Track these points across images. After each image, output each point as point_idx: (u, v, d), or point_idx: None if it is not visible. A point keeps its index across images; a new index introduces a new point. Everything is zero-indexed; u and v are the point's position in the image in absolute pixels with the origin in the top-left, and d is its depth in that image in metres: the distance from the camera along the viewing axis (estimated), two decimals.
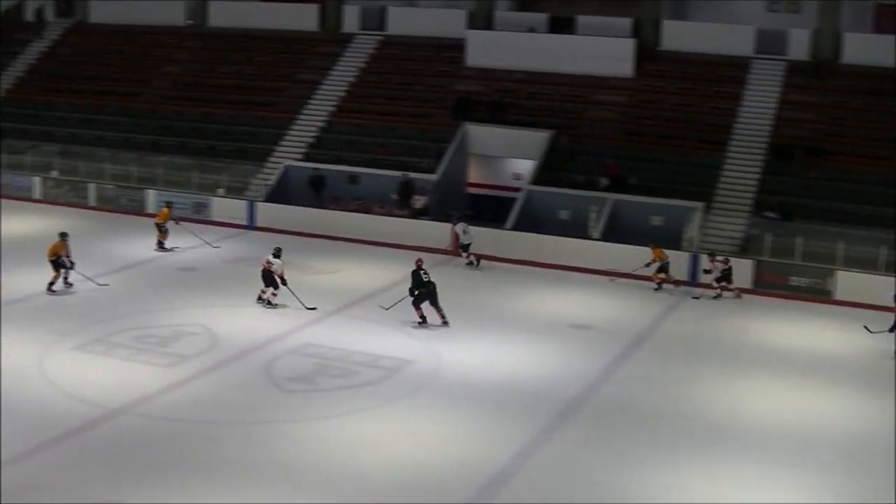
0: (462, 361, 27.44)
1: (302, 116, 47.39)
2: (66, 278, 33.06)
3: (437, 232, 38.78)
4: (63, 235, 33.41)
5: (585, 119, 44.46)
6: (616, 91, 45.41)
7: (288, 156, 45.08)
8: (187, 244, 38.42)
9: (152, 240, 38.29)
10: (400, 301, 31.16)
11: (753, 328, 31.80)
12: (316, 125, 46.73)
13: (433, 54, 49.36)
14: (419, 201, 40.51)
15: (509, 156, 44.34)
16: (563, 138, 42.54)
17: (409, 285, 30.66)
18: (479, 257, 37.51)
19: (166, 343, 28.11)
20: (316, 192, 42.46)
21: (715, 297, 34.53)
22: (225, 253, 37.90)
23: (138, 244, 38.47)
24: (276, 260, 31.52)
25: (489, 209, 41.85)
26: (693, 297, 34.83)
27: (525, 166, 42.69)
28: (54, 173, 47.26)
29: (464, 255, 37.49)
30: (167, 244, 38.10)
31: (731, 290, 34.67)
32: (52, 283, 32.70)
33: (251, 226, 41.67)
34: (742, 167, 40.95)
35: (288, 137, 46.34)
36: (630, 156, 41.68)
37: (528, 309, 32.62)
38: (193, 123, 48.73)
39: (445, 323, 30.28)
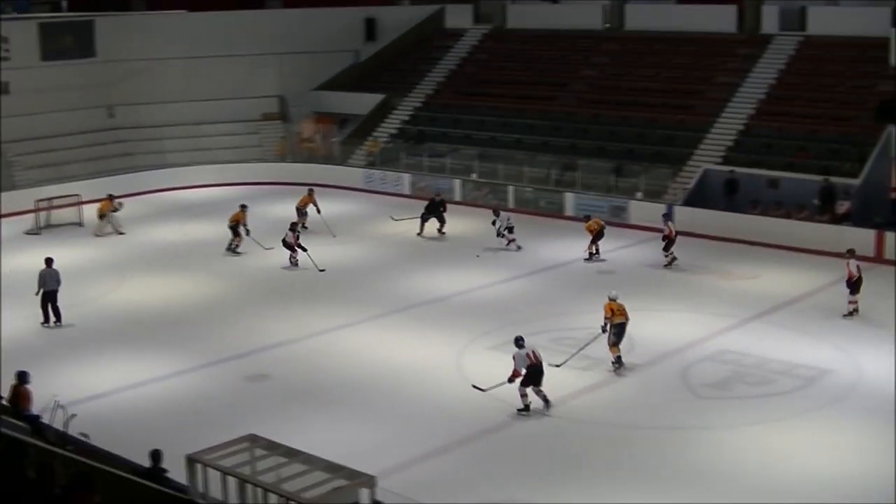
0: (884, 373, 26.76)
1: (720, 120, 47.46)
2: (237, 246, 39.73)
3: (860, 238, 38.02)
4: (243, 206, 40.37)
5: None
6: None
7: (706, 159, 45.25)
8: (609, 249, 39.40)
9: (570, 242, 39.41)
10: (409, 218, 41.69)
11: None
12: (735, 128, 46.70)
13: (855, 54, 48.22)
14: (842, 206, 39.90)
15: None
16: None
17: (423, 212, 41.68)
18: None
19: (582, 345, 28.96)
20: (729, 196, 42.57)
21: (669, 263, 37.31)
22: (643, 257, 38.48)
23: (557, 246, 39.69)
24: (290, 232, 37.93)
25: None
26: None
27: None
28: (474, 176, 49.34)
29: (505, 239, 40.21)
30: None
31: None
32: (229, 245, 39.73)
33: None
34: None
35: (706, 141, 46.53)
36: None
37: None
38: (611, 127, 49.67)
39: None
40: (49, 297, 31.82)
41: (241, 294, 35.29)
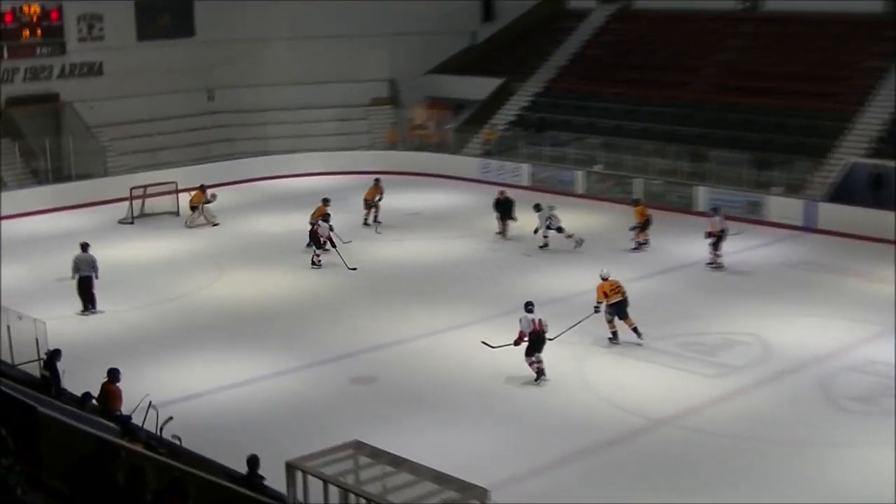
0: None
1: (867, 108, 46.55)
2: (324, 242, 38.05)
3: None
4: (325, 201, 39.94)
5: None
6: None
7: (852, 151, 44.48)
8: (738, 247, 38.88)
9: (702, 240, 39.00)
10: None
11: None
12: (883, 118, 45.78)
13: None
14: None
15: None
16: None
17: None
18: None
19: (714, 352, 28.67)
20: (874, 192, 41.74)
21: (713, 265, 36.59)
22: (783, 256, 37.93)
23: (687, 244, 39.01)
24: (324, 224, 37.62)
25: None
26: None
27: None
28: (598, 167, 49.01)
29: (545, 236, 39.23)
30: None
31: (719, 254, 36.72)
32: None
33: (810, 227, 41.49)
34: None
35: (852, 131, 45.70)
36: None
37: None
38: (746, 115, 49.00)
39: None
40: (84, 283, 32.37)
41: (342, 290, 35.31)
